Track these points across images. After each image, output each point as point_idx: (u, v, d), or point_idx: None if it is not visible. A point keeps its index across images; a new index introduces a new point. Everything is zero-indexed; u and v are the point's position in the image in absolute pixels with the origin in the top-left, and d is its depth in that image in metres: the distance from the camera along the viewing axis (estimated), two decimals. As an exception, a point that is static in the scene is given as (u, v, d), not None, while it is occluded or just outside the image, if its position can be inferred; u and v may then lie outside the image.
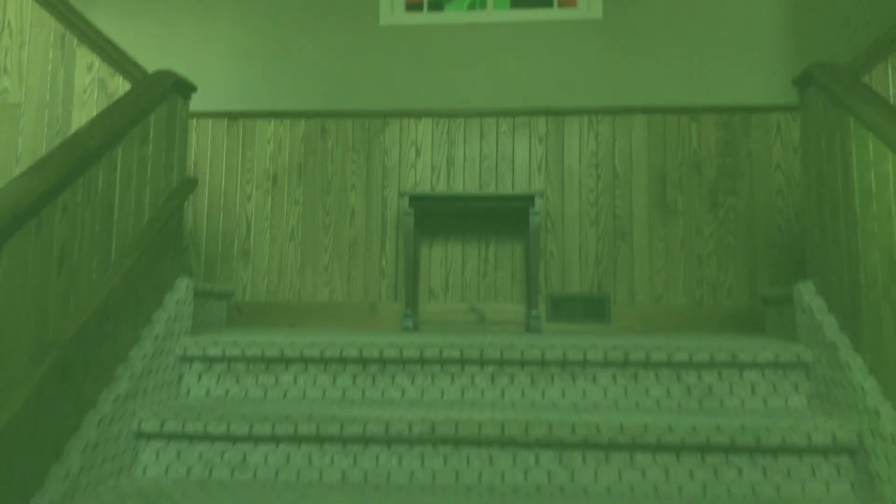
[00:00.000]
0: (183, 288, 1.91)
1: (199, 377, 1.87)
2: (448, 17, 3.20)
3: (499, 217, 3.06)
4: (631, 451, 1.58)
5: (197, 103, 3.19)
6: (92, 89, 2.11)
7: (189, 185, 1.97)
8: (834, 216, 1.70)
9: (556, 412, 1.70)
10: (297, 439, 1.63)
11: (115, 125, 1.64)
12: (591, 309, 2.94)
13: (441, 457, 1.62)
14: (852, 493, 1.54)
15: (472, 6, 3.27)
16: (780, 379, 1.78)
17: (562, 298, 2.97)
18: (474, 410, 1.70)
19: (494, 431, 1.59)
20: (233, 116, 3.15)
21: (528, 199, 2.73)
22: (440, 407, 1.76)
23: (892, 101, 1.88)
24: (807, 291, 1.82)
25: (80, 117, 2.09)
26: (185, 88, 1.98)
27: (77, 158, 1.47)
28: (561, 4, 3.21)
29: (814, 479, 1.55)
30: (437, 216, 3.07)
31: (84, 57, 2.11)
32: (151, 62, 3.25)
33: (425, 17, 3.21)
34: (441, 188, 3.07)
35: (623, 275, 2.97)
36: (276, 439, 1.64)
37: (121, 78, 2.11)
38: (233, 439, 1.64)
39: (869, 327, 1.54)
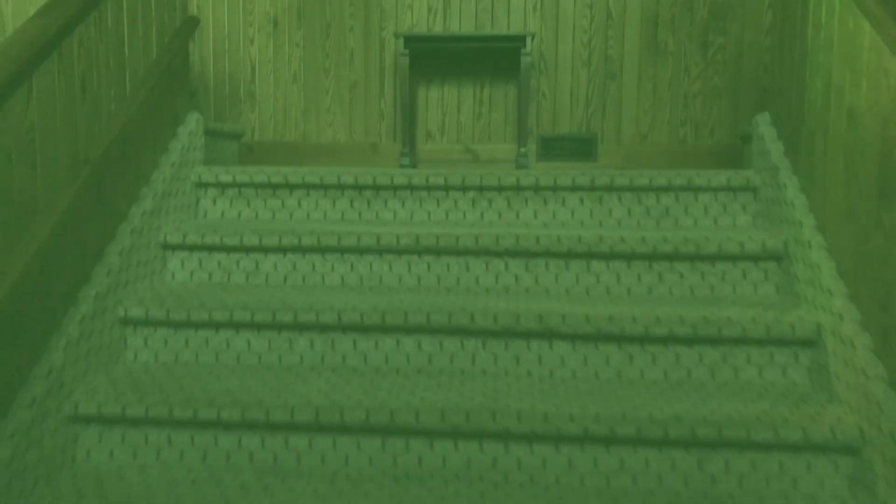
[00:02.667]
0: (193, 121, 2.11)
1: (214, 201, 2.11)
2: None
3: (493, 59, 3.15)
4: (587, 259, 1.83)
5: (194, -57, 3.20)
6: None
7: (191, 24, 2.10)
8: (791, 49, 1.82)
9: (526, 229, 1.93)
10: (302, 249, 1.89)
11: (118, -37, 1.75)
12: (579, 148, 3.11)
13: (425, 264, 1.88)
14: (776, 293, 1.79)
15: None
16: (730, 201, 1.98)
17: (552, 138, 3.13)
18: (455, 227, 1.94)
19: (470, 243, 1.83)
20: (231, -43, 3.17)
21: (520, 40, 2.82)
22: (427, 226, 2.00)
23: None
24: (763, 121, 1.97)
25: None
26: (180, -74, 2.05)
27: (87, -5, 1.61)
28: None
29: (744, 282, 1.80)
30: (433, 58, 3.17)
31: None
32: None
33: None
34: (438, 30, 3.14)
35: (611, 115, 3.10)
36: (282, 250, 1.90)
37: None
38: (246, 250, 1.90)
39: (805, 151, 1.71)
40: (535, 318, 1.62)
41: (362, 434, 1.48)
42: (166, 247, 1.91)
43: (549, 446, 1.44)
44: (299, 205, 2.09)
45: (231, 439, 1.50)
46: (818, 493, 1.39)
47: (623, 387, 1.58)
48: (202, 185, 2.10)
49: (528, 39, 2.80)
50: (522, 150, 2.87)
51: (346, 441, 1.49)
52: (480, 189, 2.05)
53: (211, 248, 1.91)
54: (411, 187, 2.06)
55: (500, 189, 2.04)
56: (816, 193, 1.65)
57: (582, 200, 2.02)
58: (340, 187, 2.07)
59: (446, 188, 2.05)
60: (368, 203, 2.08)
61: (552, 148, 3.13)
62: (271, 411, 1.45)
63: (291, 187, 2.09)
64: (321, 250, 1.89)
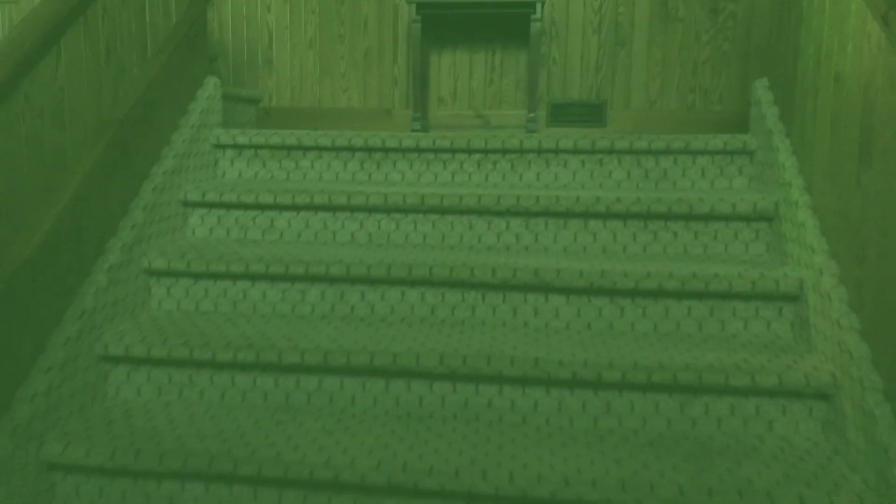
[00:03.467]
0: (211, 85, 2.20)
1: (232, 162, 2.21)
2: None
3: (504, 25, 3.19)
4: (585, 219, 1.91)
5: (213, -89, 3.26)
6: None
7: (209, -9, 2.19)
8: (788, 13, 1.86)
9: (528, 190, 2.02)
10: (314, 208, 2.00)
11: (139, -68, 1.84)
12: (588, 114, 3.16)
13: (430, 223, 1.98)
14: (766, 251, 1.86)
15: None
16: (727, 164, 2.04)
17: (561, 104, 3.18)
18: (460, 188, 2.03)
19: (473, 202, 1.92)
20: (248, -76, 3.23)
21: (530, 6, 2.86)
22: (433, 187, 2.09)
23: None
24: (761, 86, 2.02)
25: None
26: None
27: (110, -38, 1.70)
28: None
29: (736, 241, 1.87)
30: (445, 25, 3.22)
31: None
32: None
33: None
34: (450, -3, 3.18)
35: (620, 81, 3.14)
36: (296, 208, 2.00)
37: None
38: (261, 207, 2.01)
39: (798, 115, 1.77)
40: (531, 272, 1.71)
41: (367, 376, 1.59)
42: (186, 204, 2.02)
43: (541, 389, 1.54)
44: (312, 166, 2.19)
45: (247, 379, 1.63)
46: (792, 435, 1.48)
47: (613, 337, 1.67)
48: (220, 147, 2.20)
49: (539, 5, 2.85)
50: (532, 115, 2.93)
51: (353, 382, 1.60)
52: (485, 152, 2.13)
53: (229, 206, 2.02)
54: (419, 150, 2.14)
55: (503, 152, 2.12)
56: (805, 155, 1.71)
57: (583, 163, 2.10)
58: (351, 149, 2.16)
59: (452, 151, 2.13)
60: (378, 165, 2.17)
61: (562, 114, 3.18)
62: (284, 354, 1.57)
63: (305, 149, 2.18)
64: (332, 209, 1.99)
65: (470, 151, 2.13)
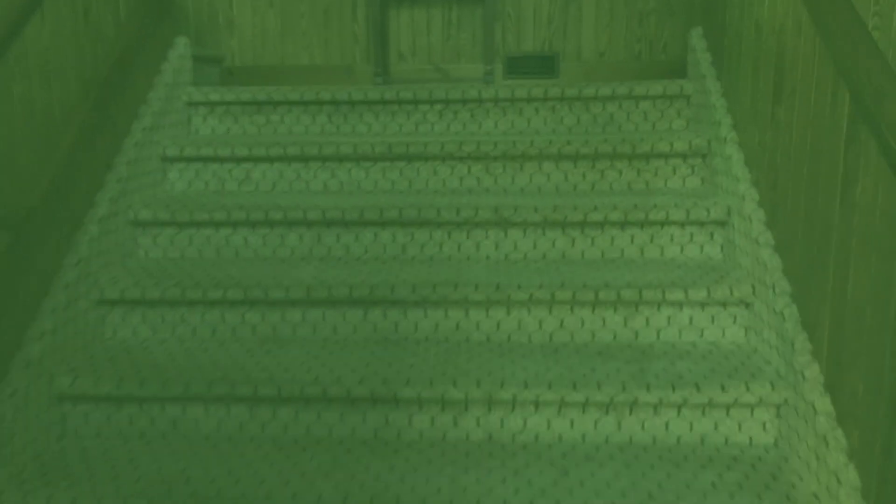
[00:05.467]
0: (182, 45, 2.29)
1: (205, 119, 2.32)
2: None
3: (460, -19, 3.30)
4: (539, 161, 2.09)
5: None
6: None
7: (174, -48, 2.26)
8: (718, -34, 2.03)
9: (487, 137, 2.18)
10: (287, 159, 2.13)
11: None
12: (542, 66, 3.31)
13: (398, 170, 2.13)
14: (701, 185, 2.07)
15: None
16: (667, 107, 2.23)
17: (517, 57, 3.33)
18: (424, 137, 2.18)
19: (437, 149, 2.08)
20: None
21: (484, -38, 2.97)
22: (399, 136, 2.24)
23: None
24: (696, 35, 2.20)
25: None
26: None
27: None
28: None
29: (674, 176, 2.07)
30: (403, -19, 3.31)
31: None
32: None
33: None
34: (406, -47, 3.27)
35: (571, 34, 3.29)
36: (270, 160, 2.13)
37: None
38: (237, 160, 2.14)
39: (727, 60, 1.95)
40: (491, 210, 1.88)
41: (347, 307, 1.76)
42: (165, 159, 2.14)
43: (502, 311, 1.74)
44: (282, 120, 2.31)
45: (235, 316, 1.78)
46: (720, 340, 1.71)
47: (566, 265, 1.87)
48: (193, 104, 2.31)
49: (492, -39, 2.96)
50: (489, 68, 3.07)
51: (334, 314, 1.77)
52: (446, 102, 2.28)
53: (206, 160, 2.14)
54: (384, 102, 2.28)
55: (464, 102, 2.27)
56: (733, 97, 1.90)
57: (537, 110, 2.26)
58: (319, 103, 2.29)
59: (415, 102, 2.28)
60: (345, 117, 2.31)
61: (517, 66, 3.33)
62: (269, 290, 1.73)
63: (275, 104, 2.30)
64: (304, 159, 2.13)
65: (432, 102, 2.27)
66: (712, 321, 1.71)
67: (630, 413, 1.54)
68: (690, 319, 1.71)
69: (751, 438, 1.53)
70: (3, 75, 1.47)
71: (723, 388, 1.48)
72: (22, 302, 1.52)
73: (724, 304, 1.69)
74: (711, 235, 1.88)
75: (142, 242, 1.98)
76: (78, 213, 1.74)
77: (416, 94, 2.25)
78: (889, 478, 1.15)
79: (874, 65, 1.17)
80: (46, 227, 1.60)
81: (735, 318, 1.70)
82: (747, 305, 1.68)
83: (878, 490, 1.18)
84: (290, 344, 1.75)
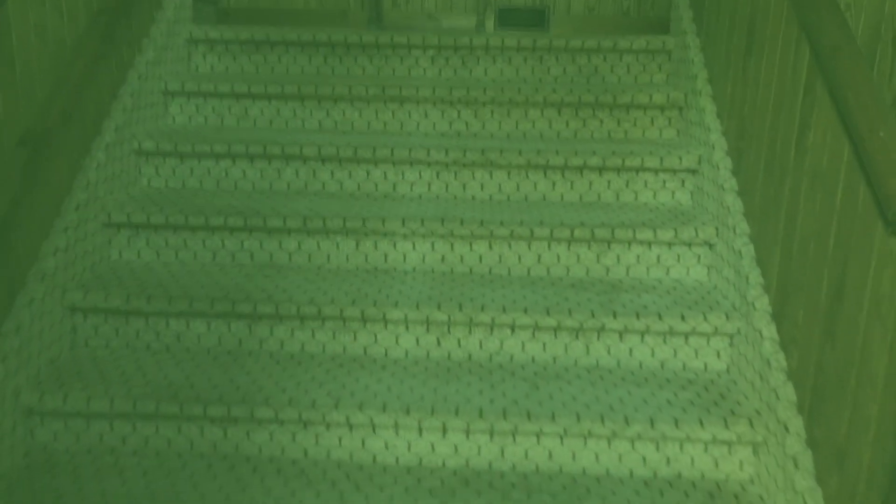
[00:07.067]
0: (182, -19, 2.35)
1: (204, 56, 2.39)
2: None
3: (455, -70, 3.33)
4: (525, 108, 2.19)
5: None
6: None
7: None
8: (704, -75, 2.11)
9: (476, 83, 2.28)
10: (284, 97, 2.22)
11: None
12: (532, 19, 3.38)
13: (390, 112, 2.23)
14: (677, 136, 2.19)
15: None
16: (649, 61, 2.34)
17: (508, 9, 3.39)
18: (416, 81, 2.27)
19: (428, 93, 2.17)
20: None
21: (480, -88, 3.02)
22: (392, 80, 2.33)
23: None
24: (680, -9, 2.30)
25: None
26: None
27: None
28: None
29: (652, 127, 2.19)
30: (400, -72, 3.34)
31: None
32: None
33: None
34: None
35: (563, -12, 3.36)
36: (268, 97, 2.22)
37: None
38: (236, 96, 2.22)
39: (706, 16, 2.06)
40: (479, 152, 2.00)
41: (340, 237, 1.88)
42: (167, 93, 2.22)
43: (485, 245, 1.87)
44: (279, 60, 2.39)
45: (235, 242, 1.90)
46: (684, 277, 1.86)
47: (546, 207, 2.00)
48: (193, 42, 2.37)
49: (487, -89, 3.01)
50: (480, 19, 3.15)
51: (328, 243, 1.89)
52: (439, 48, 2.36)
53: (206, 95, 2.22)
54: (378, 46, 2.36)
55: (455, 48, 2.36)
56: (710, 51, 2.01)
57: (525, 60, 2.36)
58: (315, 45, 2.37)
59: (409, 47, 2.36)
60: (340, 59, 2.39)
61: (508, 19, 3.40)
62: (268, 219, 1.84)
63: (272, 44, 2.37)
64: (301, 98, 2.22)
65: (425, 48, 2.36)
66: (678, 260, 1.85)
67: (598, 339, 1.69)
68: (658, 258, 1.85)
69: (706, 364, 1.69)
70: (20, 3, 1.54)
71: (682, 317, 1.63)
72: (38, 217, 1.63)
73: (689, 245, 1.83)
74: (683, 182, 2.01)
75: (145, 171, 2.08)
76: (86, 139, 1.83)
77: (409, 39, 2.33)
78: (820, 392, 1.31)
79: (832, 21, 1.29)
80: (59, 148, 1.69)
81: (699, 257, 1.84)
82: (711, 246, 1.83)
83: (811, 404, 1.35)
84: (287, 270, 1.87)
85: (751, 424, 1.46)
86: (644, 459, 1.51)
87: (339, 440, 1.54)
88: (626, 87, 2.22)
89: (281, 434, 1.54)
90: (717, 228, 1.79)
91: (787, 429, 1.36)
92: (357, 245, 1.89)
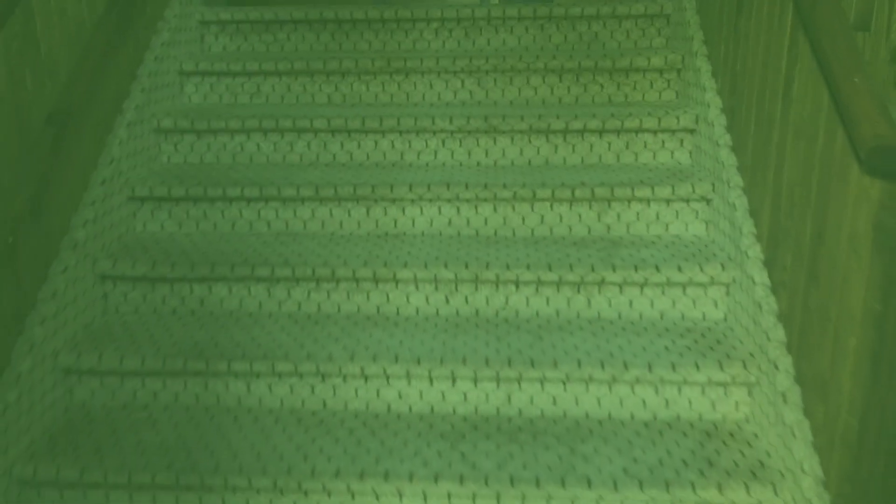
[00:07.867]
0: (192, -36, 2.43)
1: (216, 37, 2.48)
2: None
3: None
4: (527, 75, 2.26)
5: None
6: None
7: None
8: None
9: (479, 52, 2.34)
10: (294, 73, 2.30)
11: None
12: (536, -10, 3.42)
13: (396, 84, 2.31)
14: (675, 98, 2.24)
15: None
16: (648, 26, 2.39)
17: (512, -19, 3.43)
18: (420, 53, 2.35)
19: (432, 64, 2.24)
20: None
21: None
22: (397, 52, 2.40)
23: None
24: (677, -45, 2.34)
25: None
26: None
27: None
28: None
29: (651, 90, 2.24)
30: None
31: None
32: None
33: None
34: None
35: (565, -42, 3.39)
36: (278, 73, 2.31)
37: None
38: (248, 74, 2.31)
39: (702, -23, 2.10)
40: (482, 119, 2.07)
41: (352, 203, 1.97)
42: (182, 73, 2.31)
43: (489, 208, 1.95)
44: (288, 38, 2.47)
45: (252, 212, 2.00)
46: (683, 233, 1.93)
47: (549, 169, 2.07)
48: (205, 23, 2.46)
49: None
50: (484, -9, 3.19)
51: (340, 211, 1.98)
52: (442, 21, 2.43)
53: (219, 74, 2.31)
54: (383, 20, 2.43)
55: (458, 20, 2.42)
56: (705, 13, 2.06)
57: (527, 29, 2.42)
58: (323, 22, 2.44)
59: (413, 20, 2.43)
60: (347, 35, 2.46)
61: (512, -10, 3.44)
62: (282, 188, 1.94)
63: (281, 23, 2.45)
64: (310, 73, 2.30)
65: (428, 20, 2.42)
66: (677, 216, 1.92)
67: (599, 292, 1.77)
68: (657, 215, 1.92)
69: (704, 314, 1.77)
70: (42, -13, 1.64)
71: (679, 268, 1.70)
72: (67, 191, 1.73)
73: (686, 201, 1.90)
74: (681, 142, 2.07)
75: (164, 149, 2.18)
76: (108, 118, 1.93)
77: (413, 13, 2.40)
78: (807, 330, 1.38)
79: (812, -25, 1.34)
80: (83, 126, 1.79)
81: (697, 213, 1.91)
82: (708, 202, 1.89)
83: (799, 342, 1.42)
84: (302, 237, 1.97)
85: (744, 366, 1.54)
86: (644, 402, 1.60)
87: (356, 391, 1.64)
88: (625, 52, 2.27)
89: (301, 387, 1.65)
90: (713, 184, 1.85)
91: (776, 367, 1.43)
92: (367, 212, 1.98)
